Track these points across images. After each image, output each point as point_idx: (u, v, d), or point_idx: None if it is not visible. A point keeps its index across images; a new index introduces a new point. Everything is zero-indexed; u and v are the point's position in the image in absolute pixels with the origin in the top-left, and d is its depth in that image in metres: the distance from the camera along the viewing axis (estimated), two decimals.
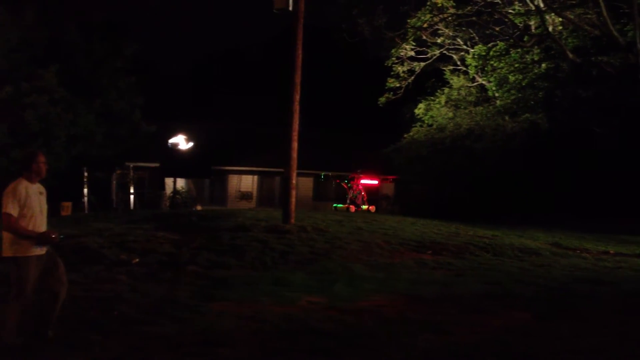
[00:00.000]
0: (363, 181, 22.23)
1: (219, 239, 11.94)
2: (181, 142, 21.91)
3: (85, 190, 26.02)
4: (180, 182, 29.04)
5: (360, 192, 21.86)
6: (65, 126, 24.86)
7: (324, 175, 23.57)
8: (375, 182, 22.82)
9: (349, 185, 22.00)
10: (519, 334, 6.15)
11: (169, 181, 25.86)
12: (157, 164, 25.59)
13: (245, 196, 33.19)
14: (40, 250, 5.38)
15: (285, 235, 12.52)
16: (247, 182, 33.65)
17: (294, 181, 14.61)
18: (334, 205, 22.48)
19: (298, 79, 14.60)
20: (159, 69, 45.70)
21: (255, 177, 33.91)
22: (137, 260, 10.21)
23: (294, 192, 14.56)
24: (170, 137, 22.25)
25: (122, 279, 8.83)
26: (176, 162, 21.54)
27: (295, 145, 14.53)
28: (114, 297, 7.50)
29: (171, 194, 24.95)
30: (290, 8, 14.45)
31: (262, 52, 51.29)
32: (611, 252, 14.66)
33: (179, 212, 18.38)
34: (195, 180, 30.67)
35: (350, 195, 21.97)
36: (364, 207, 21.18)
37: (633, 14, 20.99)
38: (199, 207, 24.96)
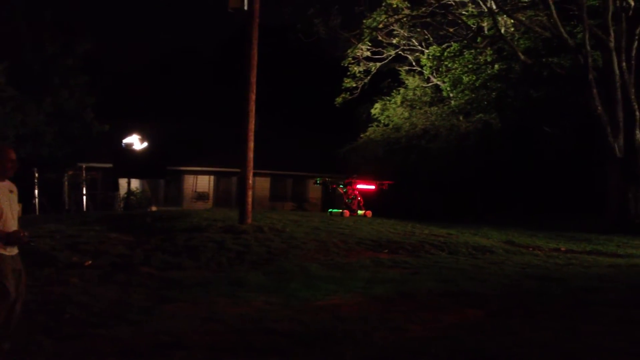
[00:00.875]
0: (359, 186, 22.16)
1: (174, 239, 11.82)
2: (135, 142, 21.63)
3: (36, 192, 25.41)
4: (135, 183, 28.64)
5: (356, 197, 21.73)
6: (15, 126, 24.24)
7: (319, 180, 23.49)
8: (372, 187, 22.75)
9: (344, 190, 21.93)
10: (471, 330, 6.25)
11: (122, 182, 25.45)
12: (110, 165, 25.17)
13: (201, 197, 32.92)
14: (12, 251, 5.12)
15: (241, 236, 12.46)
16: (203, 183, 33.38)
17: (250, 181, 14.56)
18: (329, 210, 22.35)
19: (253, 79, 14.55)
20: (112, 67, 45.00)
21: (212, 177, 33.67)
22: (90, 262, 10.02)
23: (250, 192, 14.51)
24: (124, 137, 21.94)
25: (74, 281, 8.66)
26: (130, 163, 21.25)
27: (251, 145, 14.48)
28: (65, 300, 7.35)
29: (125, 195, 24.60)
30: (246, 7, 14.39)
31: (218, 51, 50.96)
32: (562, 249, 15.00)
33: (133, 213, 18.13)
34: (150, 180, 30.29)
35: (345, 200, 21.90)
36: (360, 212, 21.06)
37: (582, 16, 21.59)
38: (153, 208, 24.64)
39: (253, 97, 14.53)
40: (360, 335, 5.99)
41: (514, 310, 7.23)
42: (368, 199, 23.04)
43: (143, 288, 8.28)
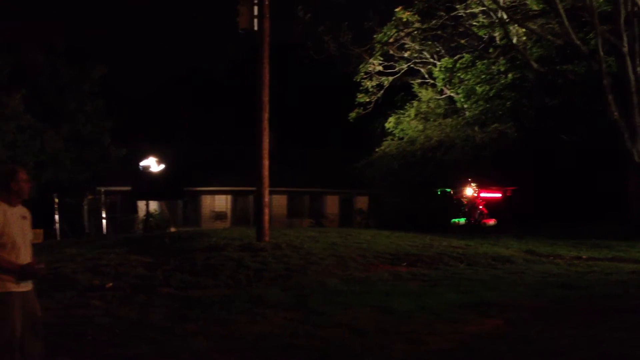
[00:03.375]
0: (483, 194, 21.73)
1: (193, 259, 11.88)
2: (152, 164, 21.88)
3: (56, 217, 25.71)
4: (153, 205, 28.87)
5: (477, 205, 21.34)
6: (33, 153, 24.62)
7: (441, 190, 23.38)
8: (498, 195, 22.26)
9: (466, 199, 21.70)
10: (490, 340, 6.23)
11: (141, 204, 25.72)
12: (128, 188, 25.46)
13: (219, 216, 33.08)
14: (25, 286, 4.51)
15: (259, 253, 12.49)
16: (220, 202, 33.56)
17: (266, 199, 14.61)
18: (452, 220, 22.08)
19: (266, 98, 14.64)
20: (127, 91, 45.57)
21: (229, 196, 33.85)
22: (111, 284, 10.11)
23: (267, 210, 14.55)
24: (141, 160, 22.20)
25: (96, 303, 8.74)
26: (148, 185, 21.50)
27: (266, 163, 14.55)
28: (87, 322, 7.42)
29: (144, 217, 24.81)
30: (256, 28, 14.54)
31: (232, 72, 51.42)
32: (583, 257, 14.81)
33: (152, 235, 18.25)
34: (168, 202, 30.52)
35: (465, 209, 21.65)
36: (488, 221, 20.74)
37: (594, 22, 21.50)
38: (172, 229, 24.83)
39: (266, 115, 14.63)
40: (378, 349, 6.01)
41: (534, 319, 7.19)
42: (387, 213, 22.90)
43: (163, 308, 8.34)
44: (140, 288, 9.83)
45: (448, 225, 22.59)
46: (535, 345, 5.95)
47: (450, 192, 23.38)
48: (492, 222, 21.03)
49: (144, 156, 22.46)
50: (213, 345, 6.28)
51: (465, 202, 21.86)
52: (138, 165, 22.16)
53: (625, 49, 21.24)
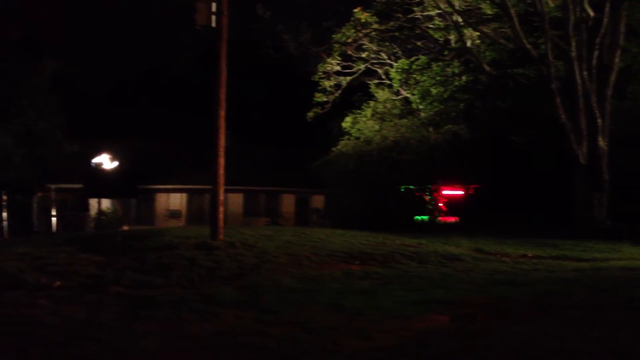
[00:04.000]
0: (445, 192, 21.74)
1: (145, 258, 11.78)
2: (105, 161, 21.57)
3: (5, 215, 25.11)
4: (106, 203, 28.43)
5: (437, 203, 21.36)
6: None
7: (404, 188, 23.36)
8: (460, 192, 22.32)
9: (429, 196, 21.71)
10: (439, 336, 6.38)
11: (93, 202, 25.29)
12: (80, 185, 25.00)
13: (174, 214, 32.78)
14: None
15: (213, 252, 12.46)
16: (175, 200, 33.27)
17: (221, 197, 14.57)
18: (415, 217, 22.05)
19: (223, 95, 14.59)
20: (82, 87, 44.74)
21: (184, 194, 33.58)
22: (59, 283, 9.96)
23: (221, 208, 14.51)
24: (94, 157, 21.85)
25: (43, 303, 8.59)
26: (100, 183, 21.20)
27: (221, 161, 14.51)
28: (34, 321, 7.29)
29: (96, 215, 24.42)
30: (214, 24, 14.47)
31: (189, 69, 51.00)
32: (530, 255, 15.24)
33: (104, 233, 18.01)
34: (122, 200, 30.11)
35: (429, 206, 21.68)
36: (448, 219, 20.80)
37: (544, 27, 22.11)
38: (125, 228, 24.51)
39: (222, 113, 14.58)
40: (329, 346, 6.08)
41: (480, 316, 7.37)
42: (343, 212, 23.04)
43: (113, 307, 8.25)
44: (90, 287, 9.72)
45: (407, 223, 22.85)
46: (482, 340, 6.10)
47: (413, 189, 23.64)
48: (453, 219, 21.34)
49: (97, 153, 22.12)
50: (163, 345, 6.25)
51: (428, 200, 22.15)
52: (91, 162, 21.79)
53: (574, 54, 21.87)
